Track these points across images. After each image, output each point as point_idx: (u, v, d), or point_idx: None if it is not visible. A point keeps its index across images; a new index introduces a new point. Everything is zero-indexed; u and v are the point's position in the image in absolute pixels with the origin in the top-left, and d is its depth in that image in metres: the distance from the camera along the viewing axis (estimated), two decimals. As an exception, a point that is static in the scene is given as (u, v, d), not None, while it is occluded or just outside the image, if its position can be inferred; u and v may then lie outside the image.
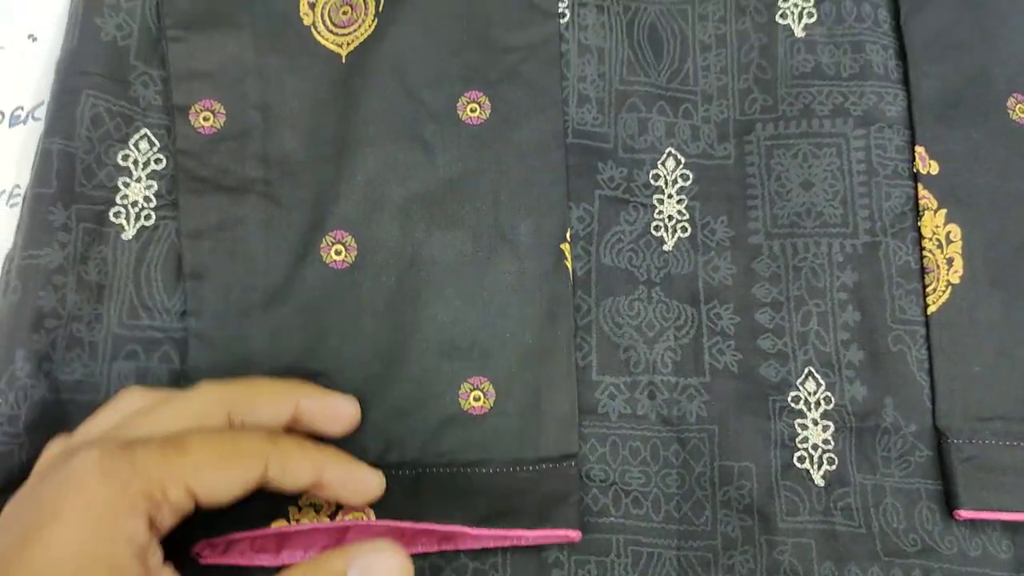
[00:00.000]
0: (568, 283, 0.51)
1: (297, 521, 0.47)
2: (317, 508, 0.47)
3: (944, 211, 0.52)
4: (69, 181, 0.50)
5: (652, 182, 0.54)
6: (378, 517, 0.47)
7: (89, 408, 0.48)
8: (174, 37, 0.52)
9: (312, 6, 0.53)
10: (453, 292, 0.50)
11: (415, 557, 0.48)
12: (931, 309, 0.51)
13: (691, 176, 0.54)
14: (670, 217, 0.54)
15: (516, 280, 0.51)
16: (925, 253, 0.52)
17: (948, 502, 0.49)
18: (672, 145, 0.54)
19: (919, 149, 0.53)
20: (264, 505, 0.47)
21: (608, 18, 0.55)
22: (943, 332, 0.51)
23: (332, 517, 0.47)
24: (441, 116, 0.52)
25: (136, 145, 0.52)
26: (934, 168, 0.53)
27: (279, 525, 0.46)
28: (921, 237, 0.52)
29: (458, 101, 0.53)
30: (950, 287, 0.52)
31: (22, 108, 0.54)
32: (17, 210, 0.51)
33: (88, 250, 0.50)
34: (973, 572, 0.49)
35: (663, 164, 0.54)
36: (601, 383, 0.51)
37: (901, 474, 0.50)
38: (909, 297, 0.52)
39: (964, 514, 0.49)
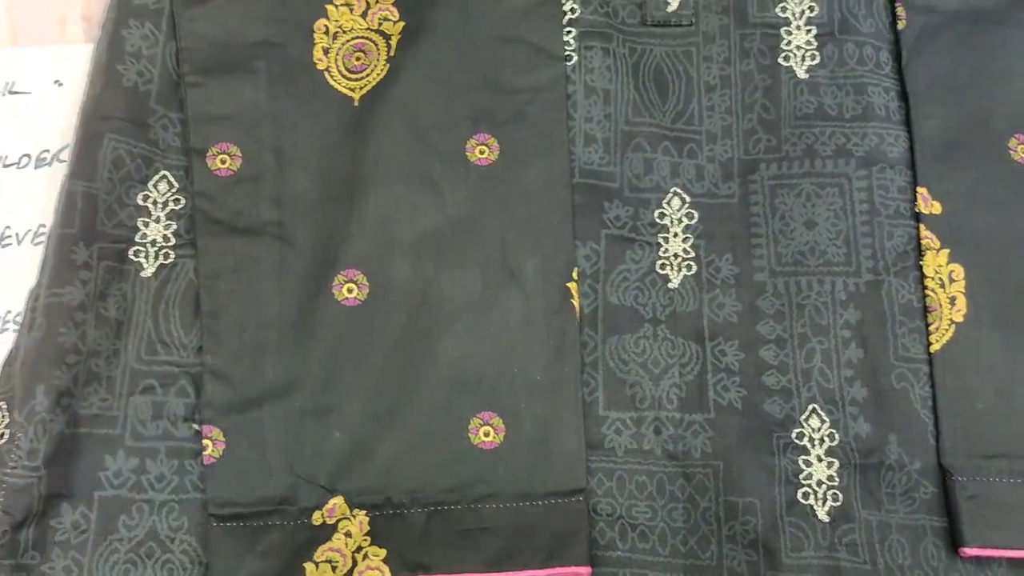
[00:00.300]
0: (575, 320, 0.52)
1: None
2: (334, 565, 0.48)
3: (947, 251, 0.53)
4: (91, 221, 0.51)
5: (658, 221, 0.55)
6: (393, 572, 0.48)
7: (105, 441, 0.50)
8: (192, 83, 0.54)
9: (326, 52, 0.55)
10: (462, 329, 0.51)
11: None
12: (934, 347, 0.52)
13: (696, 215, 0.55)
14: (675, 255, 0.55)
15: (524, 317, 0.52)
16: (928, 292, 0.53)
17: (953, 539, 0.50)
18: (677, 184, 0.56)
19: (921, 190, 0.54)
20: (283, 562, 0.48)
21: (614, 60, 0.57)
22: (946, 370, 0.52)
23: (348, 575, 0.48)
24: (450, 157, 0.54)
25: (155, 186, 0.54)
26: (936, 208, 0.54)
27: None
28: (923, 276, 0.53)
29: (467, 142, 0.54)
30: (953, 325, 0.52)
31: (48, 151, 0.56)
32: (41, 248, 0.53)
33: (108, 287, 0.51)
34: (979, 609, 0.49)
35: (668, 203, 0.55)
36: (607, 418, 0.52)
37: (906, 510, 0.50)
38: (912, 335, 0.52)
39: (969, 551, 0.49)
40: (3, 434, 0.49)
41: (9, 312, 0.53)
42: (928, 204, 0.54)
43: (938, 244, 0.53)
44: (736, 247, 0.55)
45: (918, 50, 0.56)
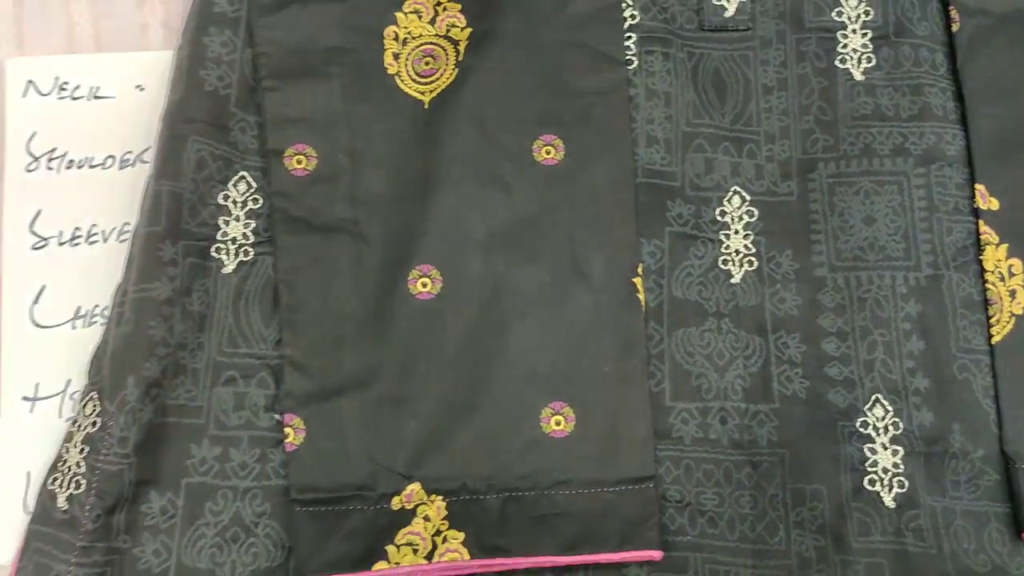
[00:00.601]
0: (641, 315, 0.54)
1: (398, 564, 0.49)
2: (415, 548, 0.49)
3: (1006, 246, 0.54)
4: (176, 219, 0.53)
5: (719, 218, 0.57)
6: (472, 555, 0.50)
7: (190, 430, 0.52)
8: (269, 87, 0.56)
9: (396, 57, 0.57)
10: (533, 322, 0.53)
11: (502, 574, 0.51)
12: (995, 339, 0.53)
13: (756, 212, 0.57)
14: (737, 251, 0.56)
15: (592, 312, 0.53)
16: (988, 286, 0.54)
17: (1017, 525, 0.51)
18: (737, 183, 0.57)
19: (979, 187, 0.55)
20: (365, 545, 0.50)
21: (674, 64, 0.58)
22: (1008, 361, 0.53)
23: (429, 558, 0.49)
24: (518, 157, 0.55)
25: (235, 186, 0.56)
26: (994, 204, 0.55)
27: (381, 567, 0.49)
28: (983, 271, 0.54)
29: (533, 143, 0.56)
30: (1013, 318, 0.53)
31: (131, 152, 0.58)
32: (126, 245, 0.55)
33: (192, 283, 0.53)
34: (1044, 594, 0.50)
35: (729, 201, 0.57)
36: (674, 409, 0.53)
37: (970, 497, 0.51)
38: (973, 328, 0.54)
39: (1033, 536, 0.50)
40: (96, 422, 0.51)
41: (97, 307, 0.55)
42: (986, 200, 0.55)
43: (997, 239, 0.55)
44: (796, 243, 0.56)
45: (972, 52, 0.58)
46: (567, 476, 0.51)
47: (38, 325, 0.55)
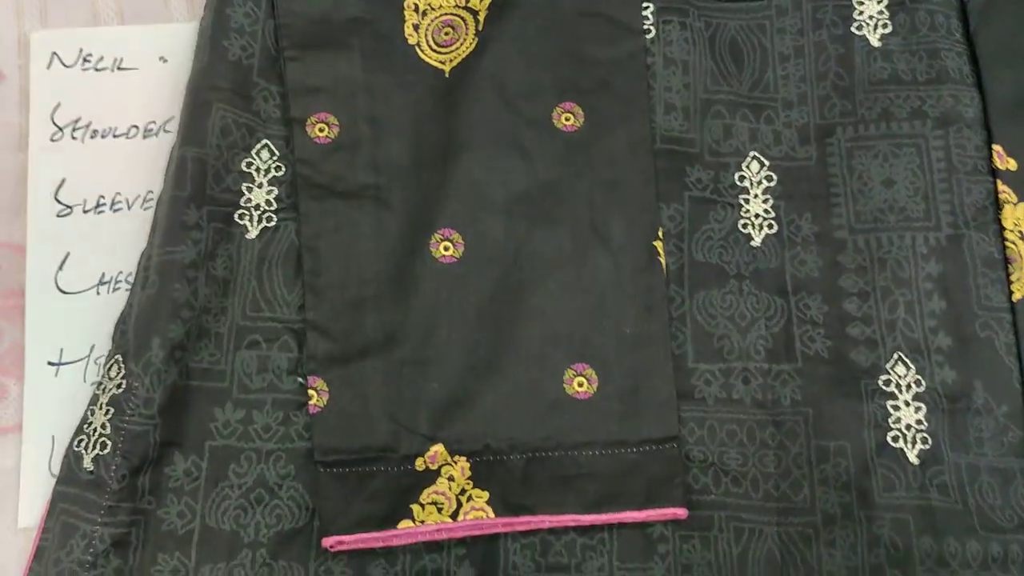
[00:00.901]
0: (662, 277, 0.54)
1: (423, 522, 0.49)
2: (439, 507, 0.49)
3: None
4: (201, 185, 0.54)
5: (738, 183, 0.57)
6: (497, 514, 0.50)
7: (214, 394, 0.52)
8: (291, 57, 0.56)
9: (416, 28, 0.58)
10: (554, 285, 0.53)
11: (526, 533, 0.51)
12: (1016, 296, 0.53)
13: (775, 177, 0.57)
14: (756, 215, 0.56)
15: (612, 275, 0.53)
16: (1008, 244, 0.54)
17: (1043, 481, 0.51)
18: (756, 149, 0.57)
19: (996, 147, 0.56)
20: (389, 504, 0.50)
21: (691, 33, 0.59)
22: (1030, 317, 0.53)
23: (454, 516, 0.49)
24: (538, 124, 0.56)
25: (258, 154, 0.56)
26: (1012, 165, 0.55)
27: (406, 526, 0.49)
28: (1003, 229, 0.55)
29: (553, 111, 0.56)
30: (1034, 276, 0.54)
31: (154, 122, 0.59)
32: (150, 213, 0.55)
33: (216, 248, 0.54)
34: (1071, 549, 0.50)
35: (747, 166, 0.57)
36: (697, 370, 0.53)
37: (995, 453, 0.51)
38: (994, 285, 0.54)
39: (1058, 490, 0.50)
40: (121, 384, 0.51)
41: (121, 272, 0.56)
42: (1004, 160, 0.55)
43: (1015, 198, 0.55)
44: (815, 206, 0.56)
45: (986, 17, 0.58)
46: (590, 437, 0.51)
47: (63, 291, 0.55)
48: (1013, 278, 0.54)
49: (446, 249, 0.54)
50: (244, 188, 0.55)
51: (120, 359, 0.52)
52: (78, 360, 0.54)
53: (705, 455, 0.52)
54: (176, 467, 0.51)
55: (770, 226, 0.56)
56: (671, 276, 0.55)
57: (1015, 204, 0.55)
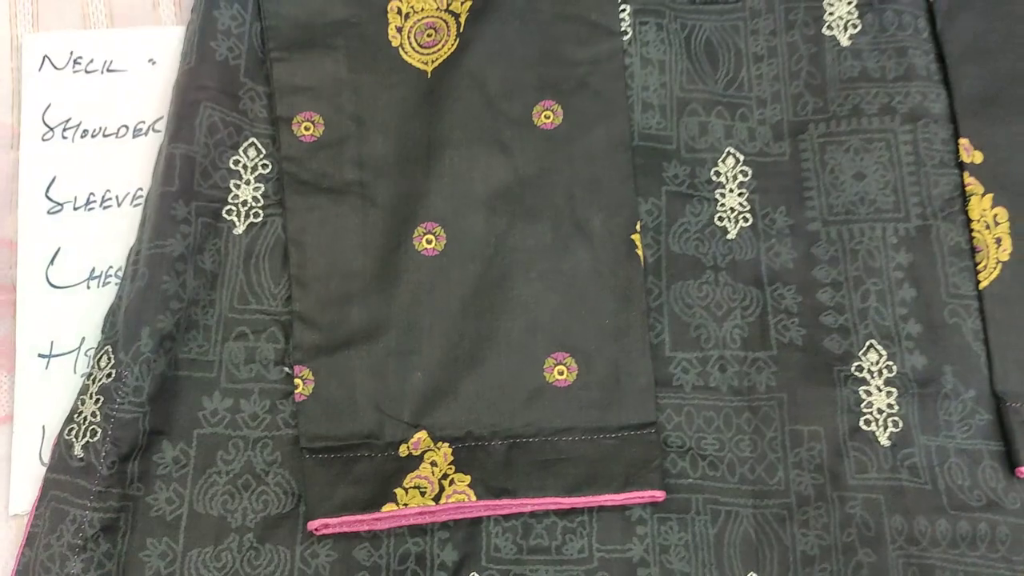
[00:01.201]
0: (640, 269, 0.55)
1: (406, 505, 0.50)
2: (422, 490, 0.51)
3: (990, 196, 0.56)
4: (189, 181, 0.55)
5: (714, 178, 0.58)
6: (478, 496, 0.51)
7: (202, 383, 0.53)
8: (277, 58, 0.58)
9: (399, 30, 0.59)
10: (535, 277, 0.54)
11: (508, 517, 0.52)
12: (983, 284, 0.55)
13: (750, 172, 0.59)
14: (732, 209, 0.58)
15: (592, 267, 0.55)
16: (974, 234, 0.56)
17: (1010, 461, 0.52)
18: (731, 145, 0.59)
19: (963, 141, 0.57)
20: (373, 488, 0.51)
21: (667, 34, 0.61)
22: (996, 305, 0.55)
23: (436, 499, 0.50)
24: (518, 122, 0.57)
25: (245, 152, 0.57)
26: (978, 158, 0.57)
27: (390, 509, 0.50)
28: (969, 220, 0.56)
29: (533, 109, 0.58)
30: (1000, 264, 0.55)
31: (143, 122, 0.60)
32: (139, 210, 0.57)
33: (204, 242, 0.55)
34: (1039, 527, 0.51)
35: (723, 162, 0.59)
36: (674, 359, 0.55)
37: (963, 436, 0.53)
38: (962, 274, 0.55)
39: (1025, 471, 0.51)
40: (111, 374, 0.52)
41: (111, 267, 0.57)
42: (970, 154, 0.57)
43: (982, 190, 0.57)
44: (789, 200, 0.58)
45: (951, 16, 0.60)
46: (571, 423, 0.52)
47: (53, 286, 0.56)
48: (980, 267, 0.55)
49: (428, 242, 0.55)
50: (232, 185, 0.57)
51: (110, 350, 0.53)
52: (68, 352, 0.55)
53: (683, 440, 0.53)
54: (165, 455, 0.52)
55: (745, 219, 0.58)
56: (649, 268, 0.56)
57: (981, 195, 0.56)
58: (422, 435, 0.52)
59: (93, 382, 0.53)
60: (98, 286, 0.57)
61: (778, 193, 0.58)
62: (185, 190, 0.55)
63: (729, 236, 0.57)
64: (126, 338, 0.52)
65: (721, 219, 0.58)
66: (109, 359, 0.53)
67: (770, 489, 0.52)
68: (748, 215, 0.58)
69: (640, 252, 0.56)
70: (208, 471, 0.52)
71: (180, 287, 0.53)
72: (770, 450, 0.53)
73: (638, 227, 0.56)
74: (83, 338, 0.56)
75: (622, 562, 0.51)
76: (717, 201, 0.58)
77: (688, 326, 0.55)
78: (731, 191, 0.58)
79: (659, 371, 0.54)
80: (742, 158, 0.59)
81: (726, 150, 0.59)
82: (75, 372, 0.55)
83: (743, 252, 0.57)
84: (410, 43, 0.59)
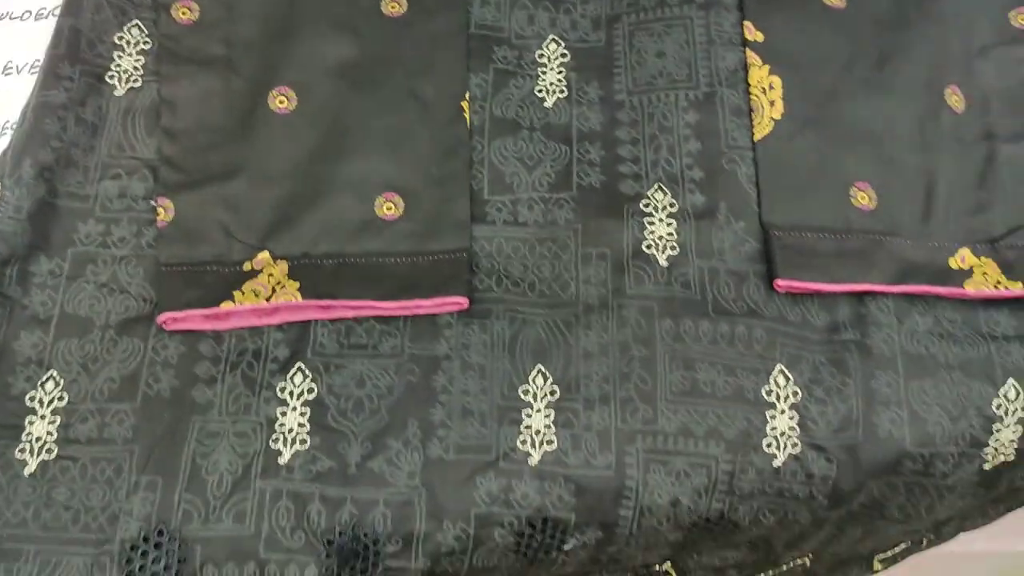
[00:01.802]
0: (466, 129, 0.64)
1: (241, 303, 0.58)
2: (256, 292, 0.59)
3: (767, 67, 0.65)
4: (75, 47, 0.64)
5: (537, 60, 0.68)
6: (304, 297, 0.59)
7: (78, 212, 0.61)
8: None
9: None
10: (373, 132, 0.63)
11: (334, 322, 0.60)
12: (757, 137, 0.64)
13: (569, 55, 0.68)
14: (551, 83, 0.67)
15: (423, 126, 0.64)
16: (752, 98, 0.65)
17: (770, 277, 0.60)
18: (555, 33, 0.68)
19: (747, 23, 0.67)
20: (216, 291, 0.59)
21: None
22: (767, 153, 0.63)
23: (268, 299, 0.59)
24: (367, 10, 0.67)
25: (129, 31, 0.67)
26: (759, 37, 0.66)
27: (227, 305, 0.58)
28: (749, 86, 0.65)
29: (382, 1, 0.67)
30: (772, 122, 0.64)
31: (45, 8, 0.70)
32: (36, 76, 0.66)
33: (87, 97, 0.64)
34: (790, 332, 0.59)
35: (547, 47, 0.68)
36: (491, 200, 0.63)
37: (733, 260, 0.61)
38: (740, 129, 0.64)
39: (781, 284, 0.59)
40: (-3, 199, 0.61)
41: (7, 122, 0.66)
42: (753, 33, 0.66)
43: (760, 62, 0.66)
44: (601, 77, 0.67)
45: None
46: (395, 249, 0.61)
47: (-40, 136, 0.65)
48: (755, 124, 0.64)
49: (281, 103, 0.64)
50: (115, 56, 0.66)
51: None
52: (-34, 190, 0.64)
53: (492, 265, 0.61)
54: (41, 266, 0.60)
55: (561, 91, 0.67)
56: (474, 129, 0.65)
57: (760, 67, 0.65)
58: (264, 255, 0.60)
59: (-18, 207, 0.61)
60: (-2, 137, 0.66)
61: (592, 71, 0.67)
62: (71, 54, 0.64)
63: (546, 104, 0.66)
64: (11, 168, 0.61)
65: (540, 91, 0.67)
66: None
67: (562, 301, 0.60)
68: (564, 88, 0.67)
69: (467, 116, 0.65)
70: (79, 280, 0.60)
71: (61, 129, 0.62)
72: (564, 270, 0.61)
73: (467, 96, 0.65)
74: (-21, 179, 0.64)
75: (429, 357, 0.59)
76: (538, 77, 0.67)
77: (503, 175, 0.64)
78: (551, 70, 0.67)
79: (477, 210, 0.63)
80: (563, 44, 0.68)
81: (550, 37, 0.68)
82: (-30, 206, 0.64)
83: (557, 117, 0.66)
84: None
